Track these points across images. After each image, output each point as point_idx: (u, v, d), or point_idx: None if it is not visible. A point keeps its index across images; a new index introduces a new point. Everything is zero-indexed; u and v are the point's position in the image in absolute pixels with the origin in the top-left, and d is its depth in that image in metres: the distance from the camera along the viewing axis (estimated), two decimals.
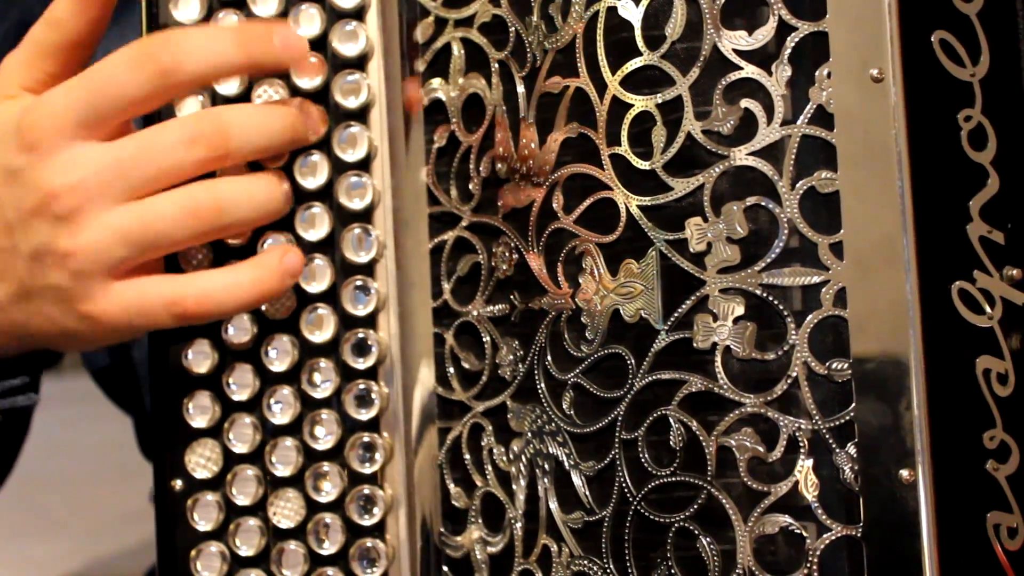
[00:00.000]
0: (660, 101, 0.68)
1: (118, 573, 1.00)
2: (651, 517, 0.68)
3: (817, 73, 0.65)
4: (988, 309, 0.67)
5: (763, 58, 0.66)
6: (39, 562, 1.05)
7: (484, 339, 0.78)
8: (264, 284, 0.75)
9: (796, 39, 0.66)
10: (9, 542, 1.10)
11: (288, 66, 0.78)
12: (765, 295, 0.66)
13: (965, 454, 0.66)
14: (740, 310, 0.66)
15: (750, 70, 0.66)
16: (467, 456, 0.79)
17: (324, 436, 0.80)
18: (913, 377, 0.64)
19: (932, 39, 0.67)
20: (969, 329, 0.66)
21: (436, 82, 0.81)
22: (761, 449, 0.65)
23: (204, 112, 0.75)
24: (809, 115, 0.66)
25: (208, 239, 0.75)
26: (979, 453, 0.66)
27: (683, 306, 0.67)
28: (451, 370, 0.80)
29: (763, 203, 0.66)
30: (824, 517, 0.64)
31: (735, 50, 0.67)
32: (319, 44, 0.80)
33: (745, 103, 0.66)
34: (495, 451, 0.77)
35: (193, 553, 0.80)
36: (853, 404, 0.64)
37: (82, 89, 0.73)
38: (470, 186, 0.79)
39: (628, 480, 0.69)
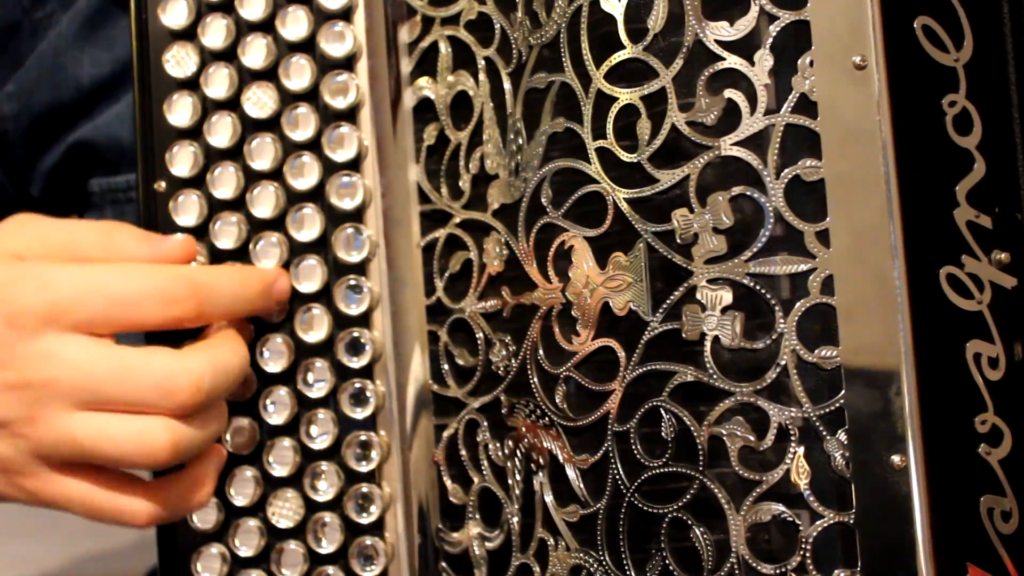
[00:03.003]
0: (644, 94, 0.69)
1: (116, 572, 1.00)
2: (645, 509, 0.69)
3: (800, 62, 0.65)
4: (977, 293, 0.67)
5: (745, 48, 0.66)
6: (37, 561, 1.06)
7: (477, 335, 0.78)
8: (198, 494, 0.77)
9: (778, 28, 0.66)
10: (7, 541, 1.10)
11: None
12: (753, 284, 0.66)
13: (957, 439, 0.66)
14: (728, 300, 0.66)
15: (733, 60, 0.66)
16: (463, 452, 0.79)
17: (320, 435, 0.80)
18: (902, 363, 0.64)
19: (914, 25, 0.67)
20: (958, 314, 0.66)
21: (424, 81, 0.81)
22: (752, 438, 0.66)
23: (185, 368, 0.72)
24: (792, 104, 0.66)
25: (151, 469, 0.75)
26: (971, 437, 0.66)
27: (672, 297, 0.67)
28: (446, 367, 0.80)
29: (748, 193, 0.66)
30: (816, 504, 0.65)
31: (717, 41, 0.67)
32: (307, 45, 0.81)
33: (728, 93, 0.66)
34: (490, 447, 0.77)
35: (194, 554, 0.80)
36: (843, 391, 0.64)
37: (99, 299, 0.71)
38: (460, 183, 0.79)
39: (621, 472, 0.69)
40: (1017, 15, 0.71)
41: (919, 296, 0.65)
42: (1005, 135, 0.70)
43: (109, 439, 0.71)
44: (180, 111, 0.81)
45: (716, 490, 0.66)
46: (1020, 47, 0.71)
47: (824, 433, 0.65)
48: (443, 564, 0.80)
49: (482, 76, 0.78)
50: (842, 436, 0.64)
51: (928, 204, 0.66)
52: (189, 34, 0.82)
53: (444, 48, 0.80)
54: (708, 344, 0.66)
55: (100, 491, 0.74)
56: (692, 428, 0.67)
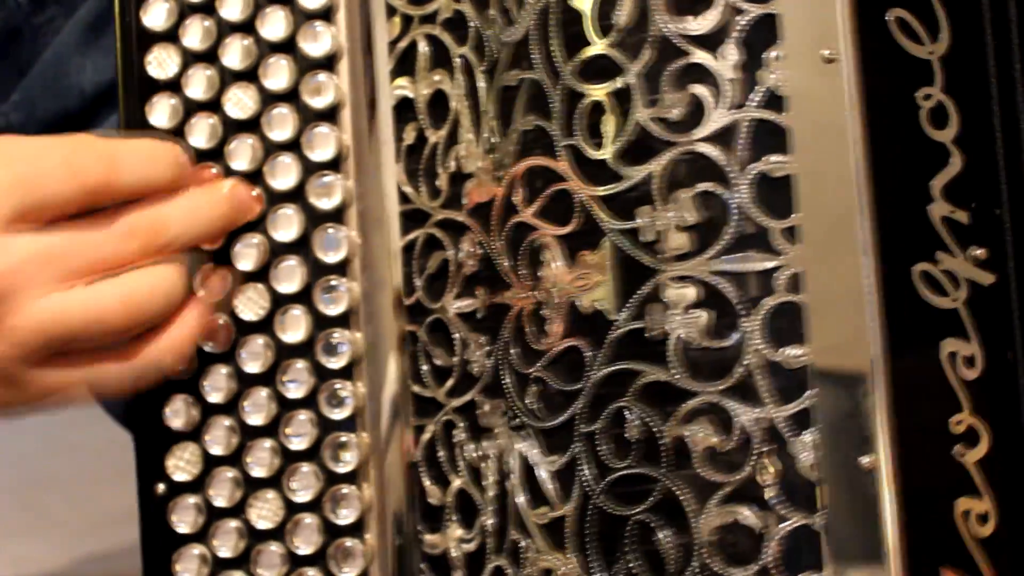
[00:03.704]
0: (611, 90, 0.68)
1: (116, 571, 1.01)
2: (611, 511, 0.68)
3: (767, 56, 0.64)
4: (953, 291, 0.66)
5: (712, 43, 0.65)
6: (37, 561, 1.07)
7: (454, 336, 0.77)
8: (184, 347, 0.77)
9: (745, 22, 0.65)
10: (8, 541, 1.12)
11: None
12: (717, 282, 0.65)
13: (930, 440, 0.65)
14: (693, 298, 0.65)
15: (698, 55, 0.65)
16: (441, 453, 0.79)
17: (300, 437, 0.80)
18: (872, 362, 0.63)
19: (887, 17, 0.66)
20: (932, 312, 0.65)
21: (403, 80, 0.81)
22: (716, 439, 0.64)
23: (144, 212, 0.74)
24: (759, 99, 0.64)
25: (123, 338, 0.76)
26: (945, 438, 0.65)
27: (636, 296, 0.66)
28: (425, 367, 0.80)
29: (713, 189, 0.65)
30: (782, 507, 0.63)
31: (683, 35, 0.66)
32: (287, 45, 0.81)
33: (693, 89, 0.65)
34: (467, 448, 0.77)
35: (174, 555, 0.80)
36: (810, 391, 0.63)
37: (14, 186, 0.72)
38: (438, 183, 0.79)
39: (589, 474, 0.69)
40: (997, 6, 0.70)
41: (891, 294, 0.63)
42: (984, 129, 0.68)
43: (74, 313, 0.72)
44: (159, 113, 0.81)
45: (680, 492, 0.65)
46: (1000, 39, 0.69)
47: (790, 434, 0.63)
48: (422, 566, 0.80)
49: (458, 74, 0.77)
50: (809, 437, 0.63)
51: (901, 200, 0.65)
52: (171, 35, 0.82)
53: (423, 47, 0.79)
54: (672, 343, 0.65)
55: (80, 368, 0.75)
56: (656, 429, 0.66)
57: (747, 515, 0.64)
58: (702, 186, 0.65)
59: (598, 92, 0.68)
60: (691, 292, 0.65)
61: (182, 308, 0.77)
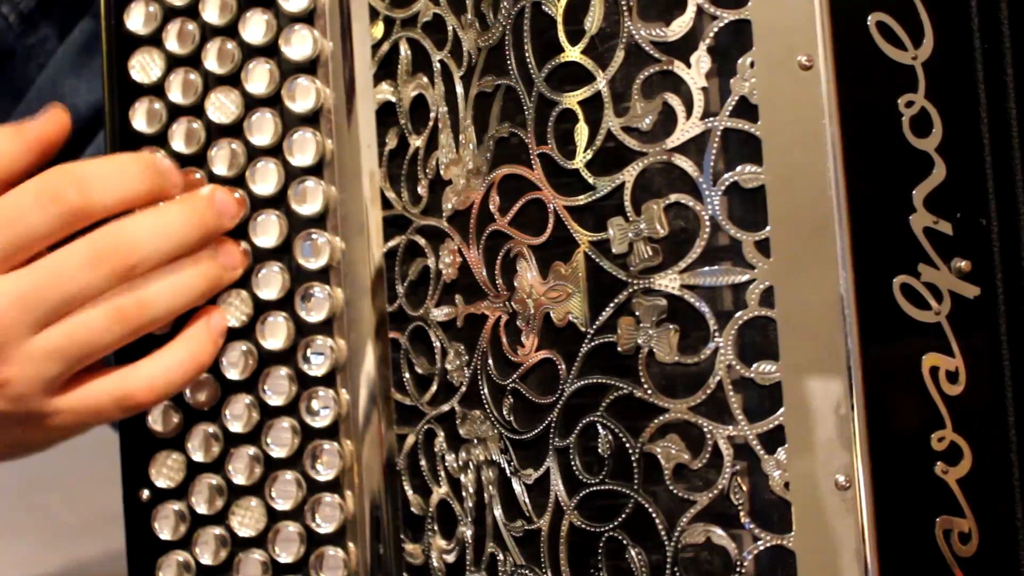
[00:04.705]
0: (582, 98, 0.66)
1: (116, 571, 1.01)
2: (583, 527, 0.66)
3: (740, 63, 0.63)
4: (935, 304, 0.64)
5: (682, 50, 0.64)
6: (37, 561, 1.07)
7: (434, 344, 0.76)
8: (200, 356, 0.76)
9: (717, 28, 0.63)
10: (7, 541, 1.12)
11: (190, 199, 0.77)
12: (688, 296, 0.63)
13: (909, 457, 0.63)
14: (662, 312, 0.64)
15: (668, 63, 0.64)
16: (423, 462, 0.78)
17: (281, 444, 0.79)
18: (847, 378, 0.61)
19: (868, 22, 0.63)
20: (913, 325, 0.63)
21: (386, 84, 0.80)
22: (687, 456, 0.63)
23: (107, 229, 0.73)
24: (731, 107, 0.63)
25: (137, 336, 0.74)
26: (926, 455, 0.63)
27: (607, 309, 0.65)
28: (407, 375, 0.79)
29: (684, 201, 0.63)
30: (753, 526, 0.62)
31: (653, 42, 0.64)
32: (269, 49, 0.80)
33: (664, 97, 0.64)
34: (447, 458, 0.76)
35: (157, 563, 0.80)
36: (782, 408, 0.61)
37: None
38: (419, 188, 0.77)
39: (562, 488, 0.67)
40: (987, 8, 0.67)
41: (868, 308, 0.62)
42: (970, 136, 0.66)
43: (83, 328, 0.72)
44: (140, 117, 0.80)
45: (650, 509, 0.64)
46: (991, 42, 0.67)
47: (762, 452, 0.62)
48: (405, 575, 0.79)
49: (437, 79, 0.76)
50: (781, 455, 0.62)
51: (880, 210, 0.63)
52: (154, 39, 0.81)
53: (404, 51, 0.78)
54: (643, 357, 0.64)
55: (98, 386, 0.74)
56: (627, 444, 0.64)
57: (720, 534, 0.62)
58: (674, 197, 0.63)
59: (570, 100, 0.67)
60: (662, 306, 0.64)
61: (193, 320, 0.77)
